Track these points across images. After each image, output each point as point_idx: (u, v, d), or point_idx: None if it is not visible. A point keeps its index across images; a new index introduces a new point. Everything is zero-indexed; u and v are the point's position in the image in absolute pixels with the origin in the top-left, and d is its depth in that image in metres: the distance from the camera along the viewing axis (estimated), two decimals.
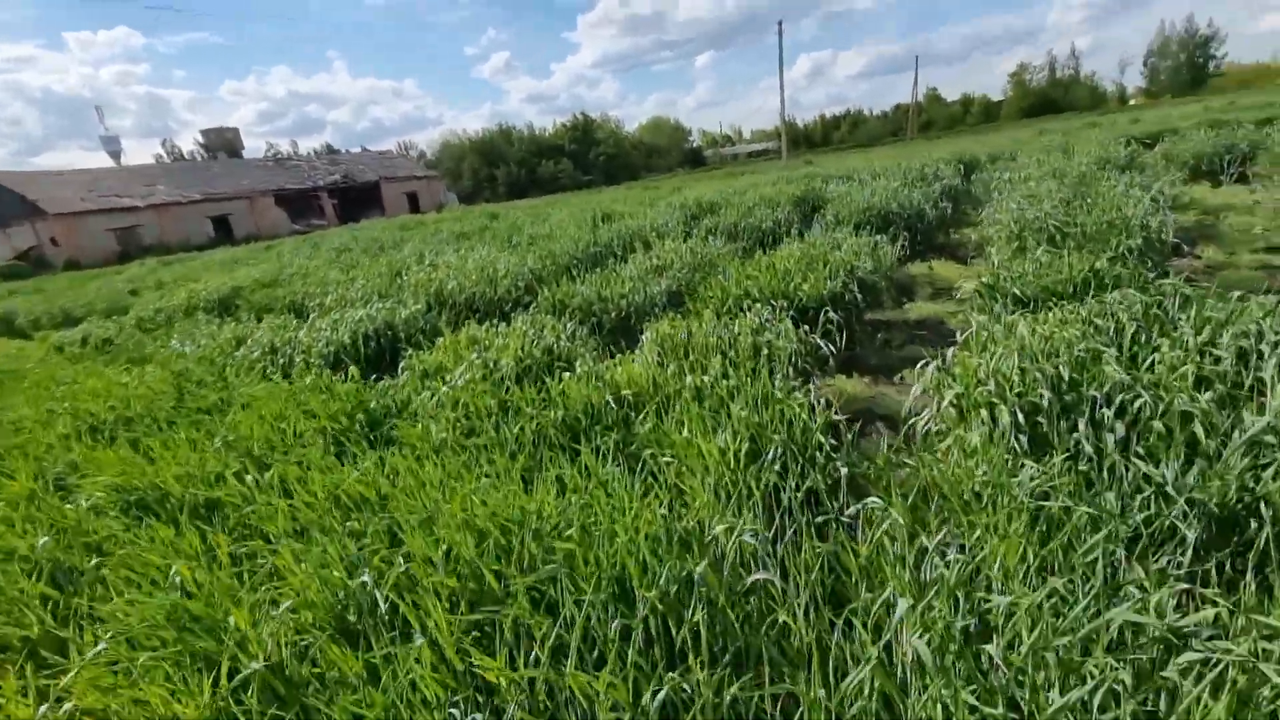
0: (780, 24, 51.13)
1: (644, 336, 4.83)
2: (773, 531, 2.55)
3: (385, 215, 53.82)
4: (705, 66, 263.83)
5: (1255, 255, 6.73)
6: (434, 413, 4.01)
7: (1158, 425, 2.63)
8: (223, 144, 71.11)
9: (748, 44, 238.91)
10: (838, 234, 7.91)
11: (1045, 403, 2.93)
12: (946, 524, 2.38)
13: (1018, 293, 4.60)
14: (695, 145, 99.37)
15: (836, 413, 3.50)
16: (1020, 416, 2.88)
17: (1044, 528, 2.29)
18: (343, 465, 3.43)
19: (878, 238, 7.68)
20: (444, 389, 4.20)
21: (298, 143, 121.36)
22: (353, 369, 5.26)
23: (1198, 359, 2.95)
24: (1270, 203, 9.13)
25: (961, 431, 3.19)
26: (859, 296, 5.74)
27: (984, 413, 3.10)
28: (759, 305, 5.42)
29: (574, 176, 68.60)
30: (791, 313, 5.22)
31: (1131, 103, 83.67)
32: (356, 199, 54.95)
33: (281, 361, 6.04)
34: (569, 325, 5.59)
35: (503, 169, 68.80)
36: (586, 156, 72.65)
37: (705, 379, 3.79)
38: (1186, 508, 2.28)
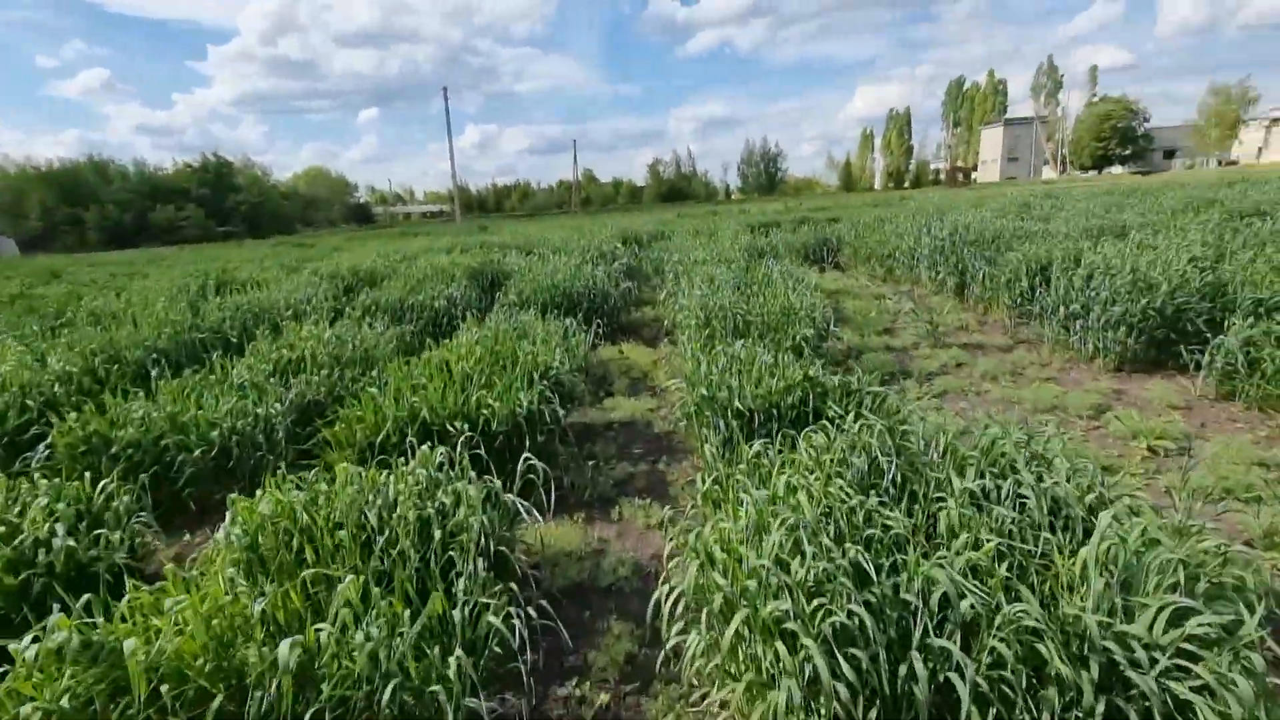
0: (445, 90, 50.63)
1: (225, 523, 2.81)
2: None
3: None
4: (369, 122, 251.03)
5: (879, 337, 7.65)
6: None
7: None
8: None
9: (411, 107, 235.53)
10: (524, 316, 6.79)
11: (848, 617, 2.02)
12: None
13: (739, 406, 3.94)
14: (362, 201, 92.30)
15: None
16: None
17: None
18: None
19: (569, 321, 6.78)
20: None
21: None
22: None
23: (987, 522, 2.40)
24: (862, 287, 11.05)
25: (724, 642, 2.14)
26: (556, 403, 4.59)
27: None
28: (430, 436, 3.85)
29: (205, 226, 56.90)
30: (477, 442, 3.77)
31: (733, 196, 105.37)
32: None
33: None
34: (97, 498, 3.21)
35: (94, 210, 53.54)
36: (223, 203, 61.17)
37: (324, 635, 2.08)
38: None
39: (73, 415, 4.14)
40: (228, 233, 57.36)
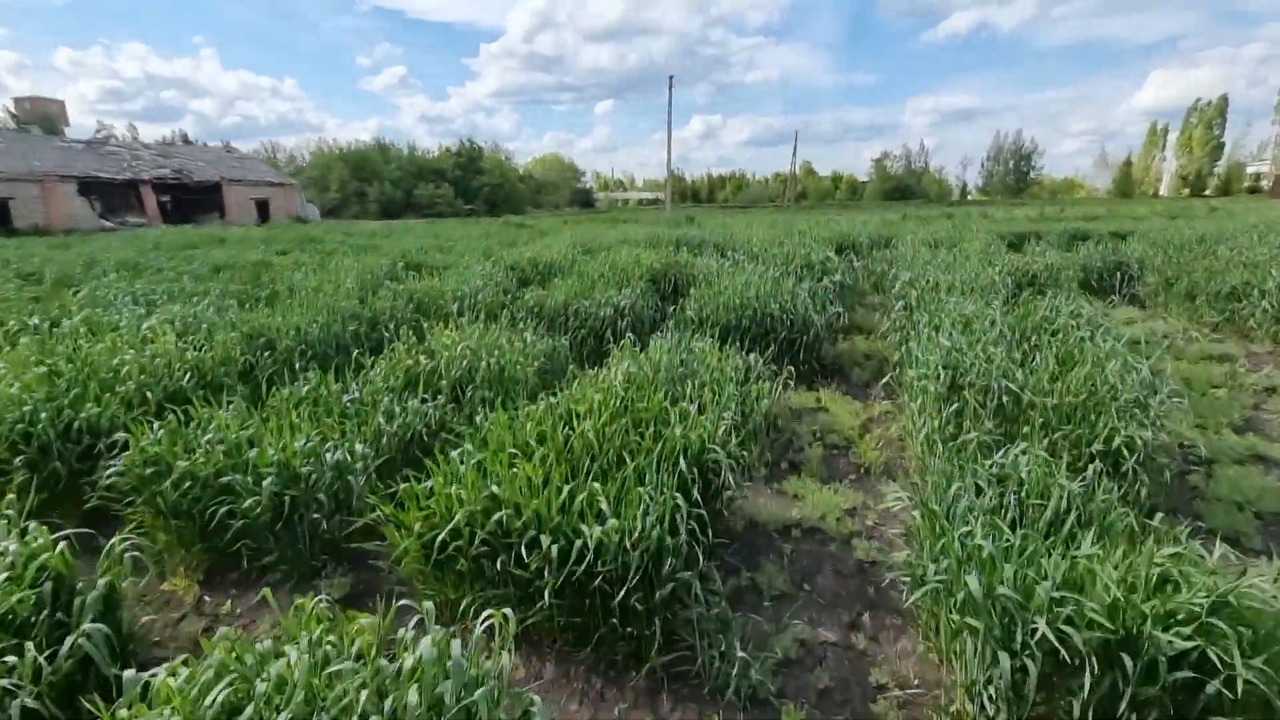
0: (671, 79, 50.47)
1: None
2: None
3: (226, 220, 46.60)
4: (604, 113, 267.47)
5: (1237, 436, 4.85)
6: None
7: None
8: (40, 117, 59.39)
9: (642, 98, 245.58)
10: (697, 343, 5.29)
11: None
12: None
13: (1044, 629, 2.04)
14: (587, 186, 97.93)
15: None
16: None
17: None
18: None
19: (752, 357, 5.15)
20: None
21: (137, 127, 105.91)
22: None
23: None
24: (1181, 336, 7.75)
25: None
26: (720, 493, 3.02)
27: None
28: (506, 548, 2.52)
29: (453, 204, 64.08)
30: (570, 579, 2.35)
31: (970, 197, 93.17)
32: (192, 198, 47.26)
33: None
34: None
35: (375, 186, 62.86)
36: (469, 184, 68.41)
37: None
38: None
39: (141, 435, 3.49)
40: (471, 210, 64.04)
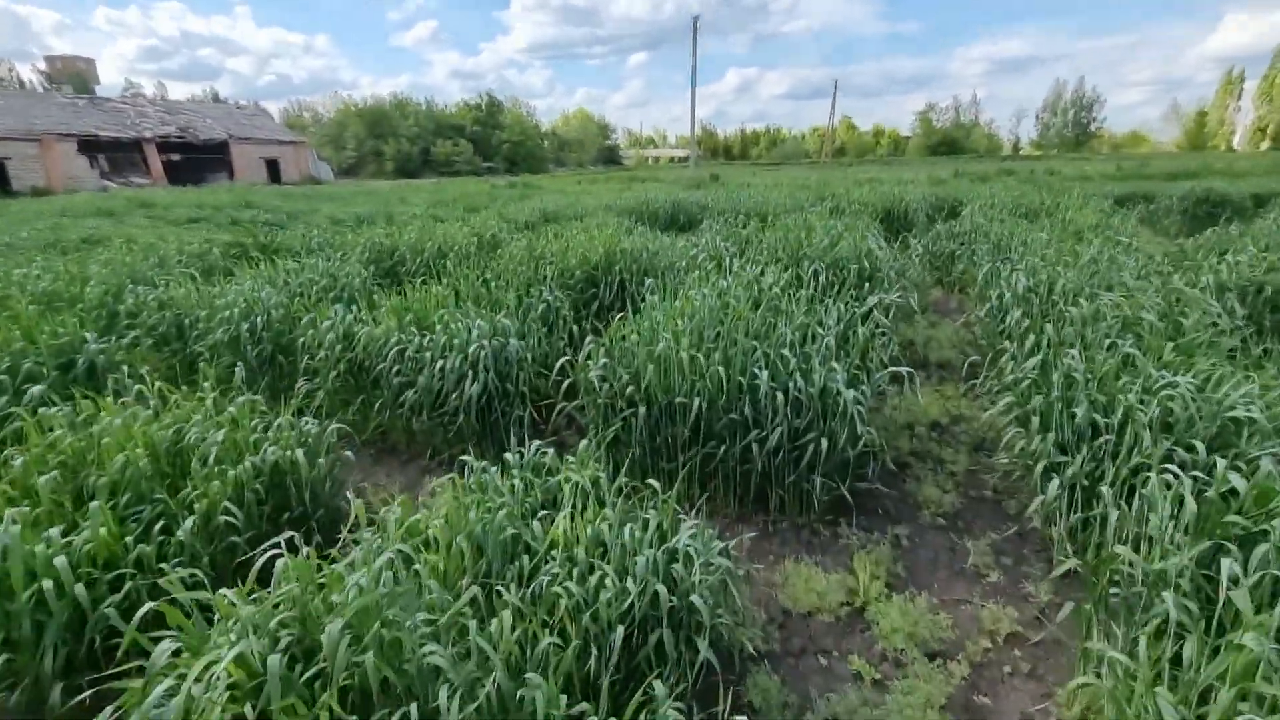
0: (696, 19, 45.26)
1: None
2: None
3: (234, 180, 44.22)
4: (637, 66, 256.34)
5: None
6: None
7: None
8: (71, 76, 57.58)
9: (677, 51, 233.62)
10: (572, 470, 2.10)
11: None
12: None
13: None
14: (614, 143, 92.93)
15: None
16: None
17: None
18: None
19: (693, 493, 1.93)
20: None
21: (167, 85, 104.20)
22: None
23: None
24: None
25: None
26: None
27: None
28: None
29: (472, 162, 60.59)
30: None
31: (1022, 151, 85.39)
32: (197, 157, 44.92)
33: None
34: None
35: (392, 144, 59.71)
36: (489, 141, 64.71)
37: None
38: None
39: None
40: (490, 168, 60.49)
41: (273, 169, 48.16)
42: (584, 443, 2.82)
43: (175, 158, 44.35)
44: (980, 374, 4.39)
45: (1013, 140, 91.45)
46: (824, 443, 2.92)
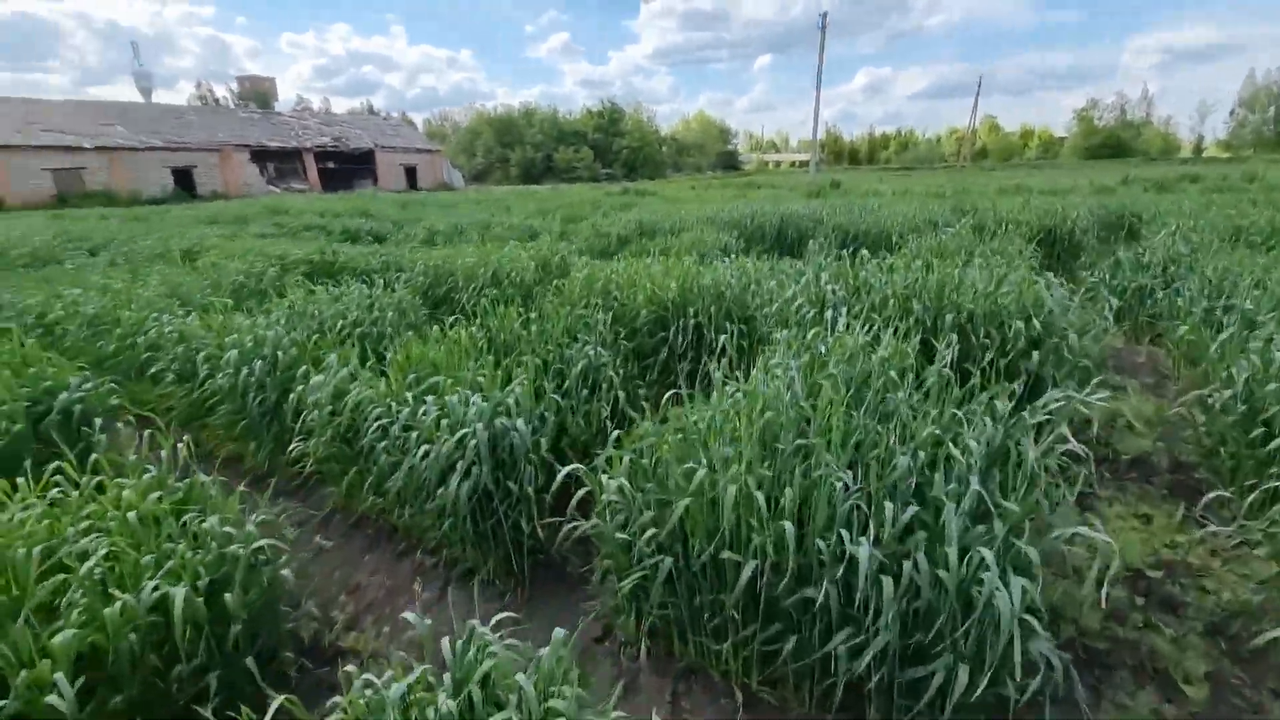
0: (824, 16, 42.62)
1: None
2: None
3: (378, 186, 47.68)
4: (763, 69, 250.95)
5: None
6: None
7: None
8: (256, 94, 65.57)
9: (805, 54, 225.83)
10: None
11: None
12: None
13: None
14: (734, 148, 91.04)
15: None
16: None
17: None
18: None
19: None
20: None
21: (329, 100, 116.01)
22: None
23: None
24: None
25: None
26: None
27: None
28: None
29: (591, 168, 61.56)
30: None
31: (1205, 153, 73.45)
32: (347, 166, 48.87)
33: None
34: None
35: (518, 151, 62.02)
36: (610, 147, 65.46)
37: None
38: None
39: None
40: (609, 174, 61.11)
41: (410, 176, 51.45)
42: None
43: (330, 165, 48.50)
44: (1216, 495, 2.88)
45: (1194, 140, 79.18)
46: (961, 672, 1.70)
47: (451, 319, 4.23)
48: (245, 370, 3.65)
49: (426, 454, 2.73)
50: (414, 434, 2.84)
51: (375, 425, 2.96)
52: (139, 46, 57.65)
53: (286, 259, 6.55)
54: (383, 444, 2.99)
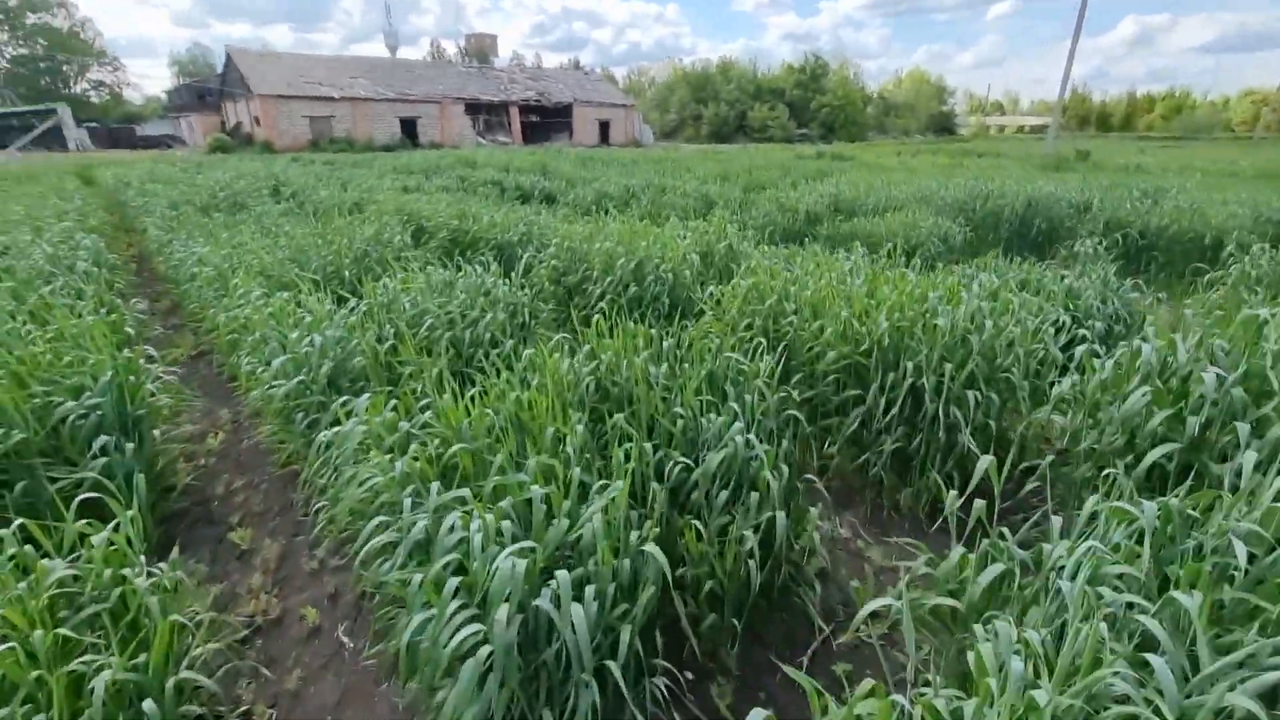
0: None
1: None
2: None
3: (573, 141, 48.82)
4: (999, 18, 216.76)
5: None
6: None
7: None
8: (479, 50, 70.73)
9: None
10: None
11: None
12: None
13: None
14: (950, 109, 79.98)
15: None
16: None
17: None
18: None
19: None
20: None
21: (541, 56, 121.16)
22: None
23: None
24: None
25: None
26: None
27: None
28: None
29: (786, 127, 57.50)
30: None
31: None
32: (547, 119, 50.50)
33: None
34: None
35: (710, 108, 59.81)
36: (808, 105, 60.59)
37: None
38: None
39: None
40: (804, 135, 56.70)
41: (604, 131, 51.92)
42: None
43: (533, 119, 50.46)
44: None
45: None
46: None
47: (554, 337, 3.04)
48: (283, 386, 2.80)
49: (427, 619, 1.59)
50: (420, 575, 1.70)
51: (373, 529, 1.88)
52: (390, 8, 64.59)
53: (433, 221, 5.89)
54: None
